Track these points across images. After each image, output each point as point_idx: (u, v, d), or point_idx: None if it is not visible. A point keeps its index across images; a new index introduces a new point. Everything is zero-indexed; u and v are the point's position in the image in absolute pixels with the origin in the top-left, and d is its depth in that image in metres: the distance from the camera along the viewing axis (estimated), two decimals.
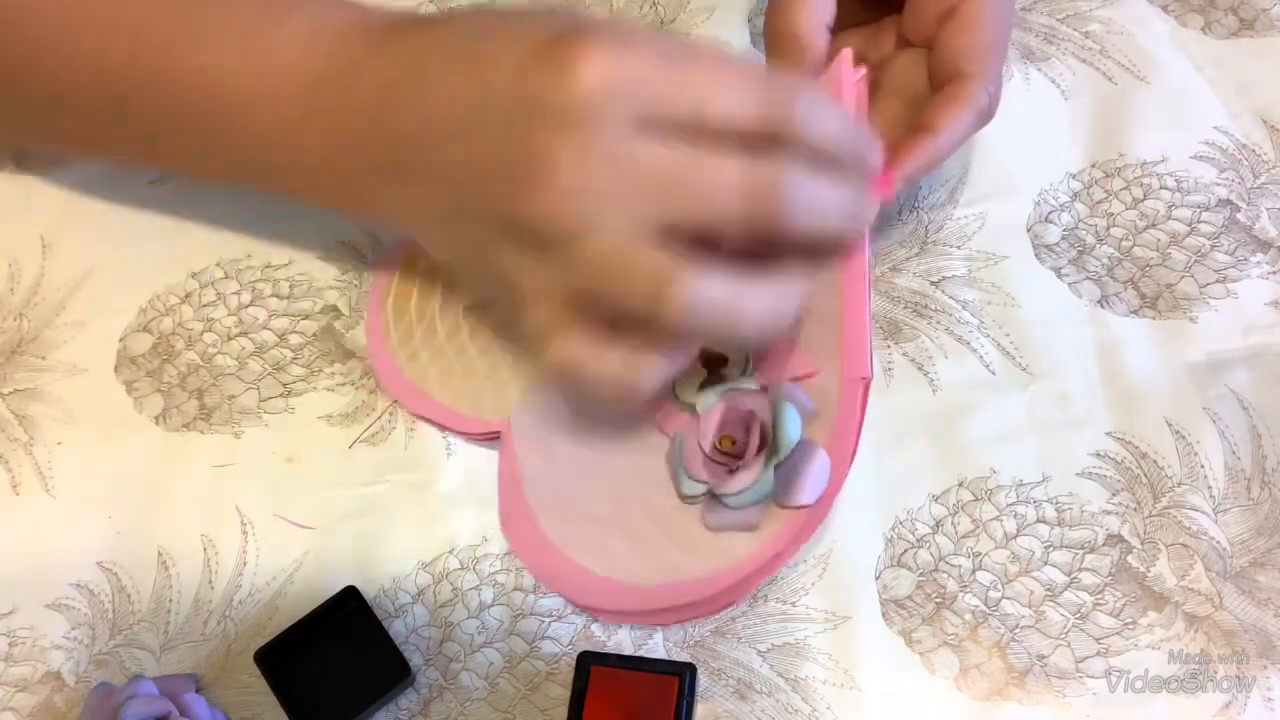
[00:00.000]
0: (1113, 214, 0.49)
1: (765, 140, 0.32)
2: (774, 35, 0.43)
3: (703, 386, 0.41)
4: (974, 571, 0.41)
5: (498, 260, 0.34)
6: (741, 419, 0.40)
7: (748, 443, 0.39)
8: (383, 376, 0.45)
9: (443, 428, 0.44)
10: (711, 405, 0.40)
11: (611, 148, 0.31)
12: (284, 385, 0.45)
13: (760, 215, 0.32)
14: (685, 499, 0.40)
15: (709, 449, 0.39)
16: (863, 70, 0.40)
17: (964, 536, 0.42)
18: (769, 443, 0.39)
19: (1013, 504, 0.43)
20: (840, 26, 0.44)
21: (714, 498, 0.39)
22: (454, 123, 0.34)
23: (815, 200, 0.32)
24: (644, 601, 0.39)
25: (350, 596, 0.40)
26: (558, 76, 0.31)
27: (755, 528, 0.39)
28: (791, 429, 0.38)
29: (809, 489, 0.38)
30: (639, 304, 0.31)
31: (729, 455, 0.39)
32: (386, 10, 0.38)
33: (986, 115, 0.43)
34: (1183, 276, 0.48)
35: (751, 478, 0.38)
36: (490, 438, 0.43)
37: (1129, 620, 0.40)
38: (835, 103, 0.37)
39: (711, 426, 0.40)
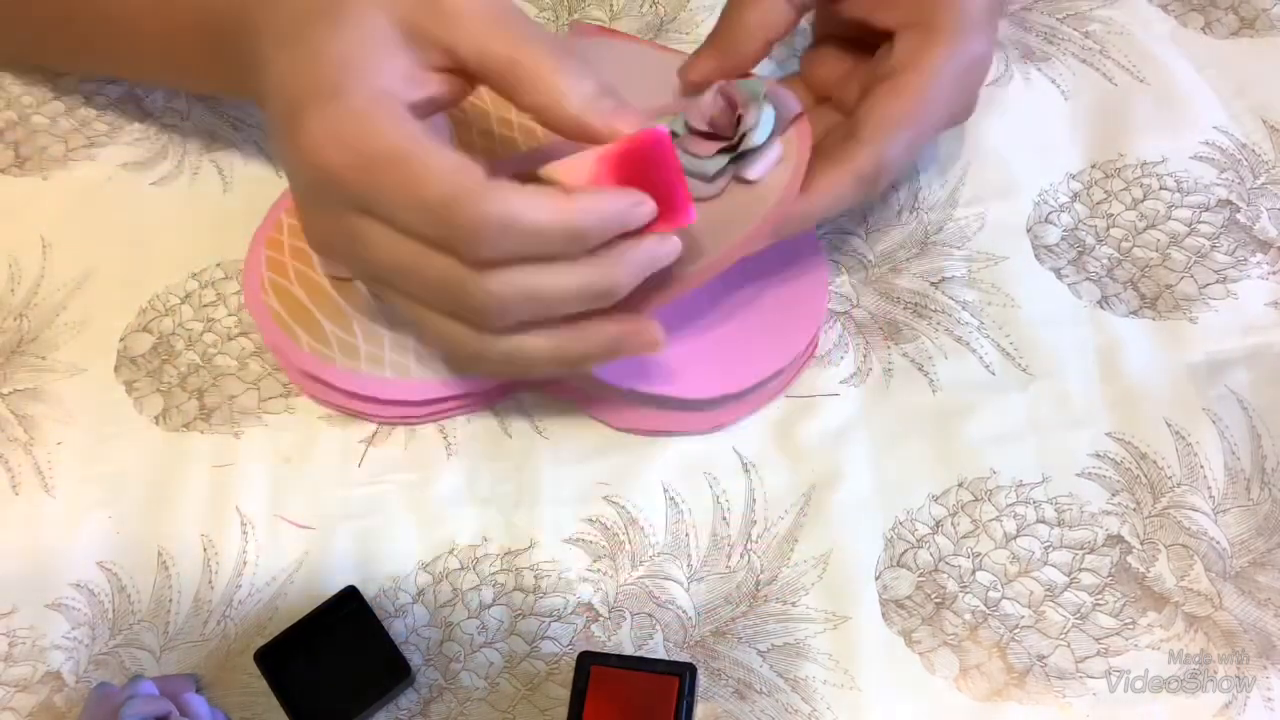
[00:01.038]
0: (1112, 215, 0.49)
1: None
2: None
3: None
4: (974, 572, 0.41)
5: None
6: (723, 108, 0.42)
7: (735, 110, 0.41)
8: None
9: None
10: (700, 104, 0.42)
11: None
12: (284, 385, 0.45)
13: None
14: (712, 181, 0.41)
15: (705, 127, 0.42)
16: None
17: (964, 537, 0.42)
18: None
19: (1012, 504, 0.43)
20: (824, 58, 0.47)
21: (734, 157, 0.41)
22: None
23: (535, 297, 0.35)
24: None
25: (350, 596, 0.40)
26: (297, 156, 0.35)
27: (786, 158, 0.41)
28: (756, 85, 0.42)
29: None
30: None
31: (714, 134, 0.42)
32: None
33: (868, 184, 0.41)
34: (1182, 277, 0.48)
35: (756, 111, 0.41)
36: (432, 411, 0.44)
37: (1129, 620, 0.40)
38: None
39: (701, 117, 0.42)
